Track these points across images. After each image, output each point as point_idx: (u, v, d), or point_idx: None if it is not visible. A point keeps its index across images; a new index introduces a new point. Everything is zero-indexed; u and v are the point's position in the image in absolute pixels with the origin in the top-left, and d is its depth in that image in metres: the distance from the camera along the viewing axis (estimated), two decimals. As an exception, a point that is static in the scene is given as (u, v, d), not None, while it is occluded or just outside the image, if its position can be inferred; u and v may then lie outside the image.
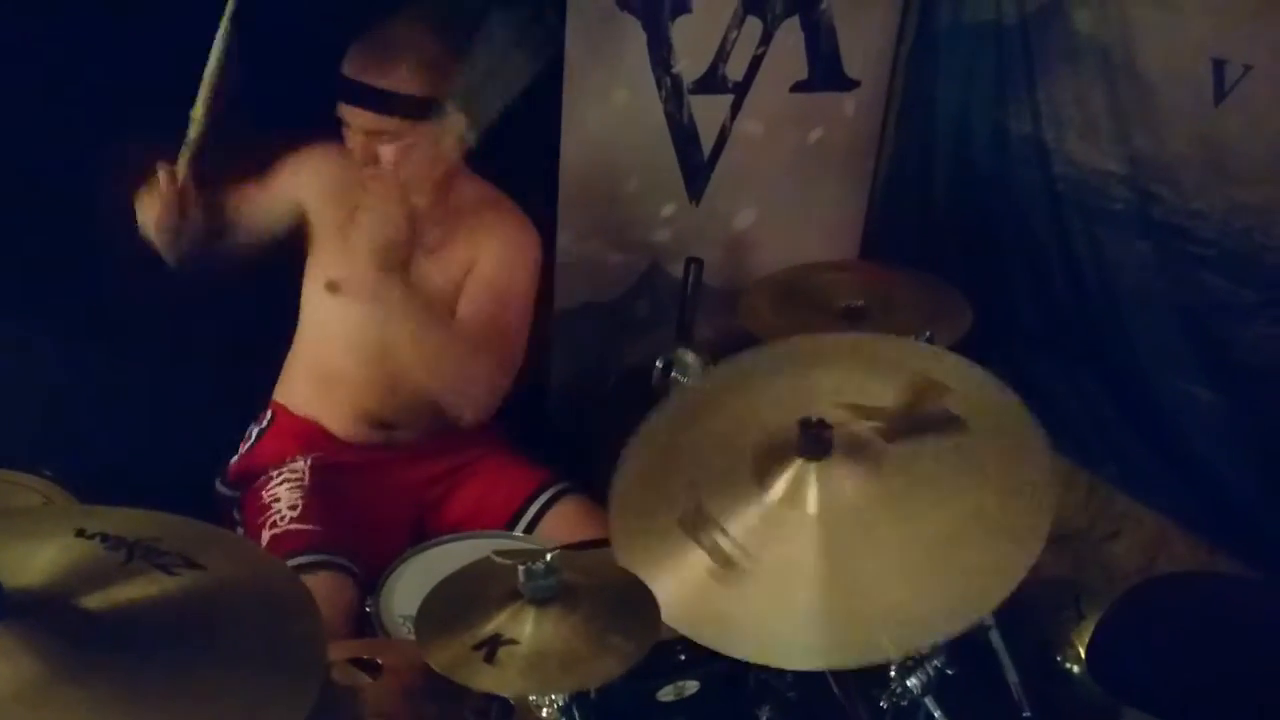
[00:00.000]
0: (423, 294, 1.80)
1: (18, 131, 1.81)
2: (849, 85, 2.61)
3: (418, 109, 1.68)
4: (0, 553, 1.00)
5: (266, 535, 1.68)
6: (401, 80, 1.67)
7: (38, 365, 1.93)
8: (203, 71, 1.63)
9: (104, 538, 1.07)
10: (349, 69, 1.69)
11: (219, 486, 1.85)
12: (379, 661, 1.32)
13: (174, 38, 1.78)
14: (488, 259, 1.84)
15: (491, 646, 1.09)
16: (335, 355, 1.86)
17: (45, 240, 1.88)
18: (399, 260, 1.66)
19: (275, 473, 1.82)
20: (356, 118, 1.70)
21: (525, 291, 1.86)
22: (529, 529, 1.85)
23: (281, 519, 1.72)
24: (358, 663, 1.32)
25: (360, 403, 1.87)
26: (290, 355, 1.95)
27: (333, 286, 1.76)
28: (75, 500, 1.70)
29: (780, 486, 1.30)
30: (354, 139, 1.72)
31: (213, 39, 1.63)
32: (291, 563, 1.59)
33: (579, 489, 1.90)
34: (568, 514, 1.85)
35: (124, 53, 1.84)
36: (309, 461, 1.81)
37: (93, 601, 0.98)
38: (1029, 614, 2.18)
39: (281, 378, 1.95)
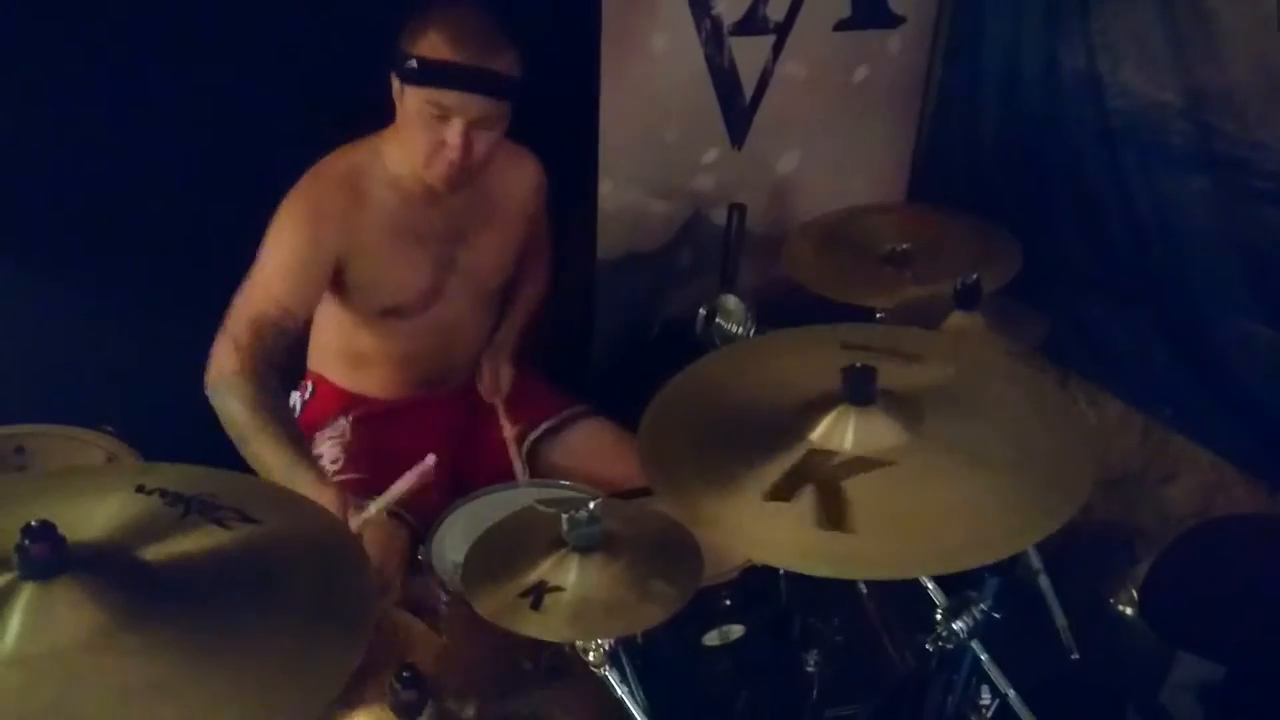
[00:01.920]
0: (475, 276, 1.85)
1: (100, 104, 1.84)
2: (894, 22, 2.54)
3: (514, 92, 1.65)
4: (65, 508, 1.03)
5: None
6: (507, 62, 1.62)
7: (101, 325, 1.98)
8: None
9: (163, 493, 1.11)
10: (454, 55, 1.58)
11: None
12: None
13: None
14: (530, 196, 1.92)
15: (537, 594, 1.12)
16: (383, 346, 1.86)
17: (106, 206, 1.91)
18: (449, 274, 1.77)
19: (319, 434, 1.86)
20: (467, 106, 1.60)
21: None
22: (535, 447, 1.89)
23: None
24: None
25: (409, 372, 1.89)
26: (318, 338, 1.92)
27: (390, 312, 1.79)
28: (137, 455, 1.76)
29: (820, 429, 1.28)
30: (451, 131, 1.61)
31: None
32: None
33: (599, 411, 1.94)
34: (589, 437, 1.89)
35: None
36: (350, 419, 1.85)
37: (152, 554, 1.02)
38: (1082, 557, 2.16)
39: (313, 353, 1.94)
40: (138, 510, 1.07)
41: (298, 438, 1.59)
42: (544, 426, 1.91)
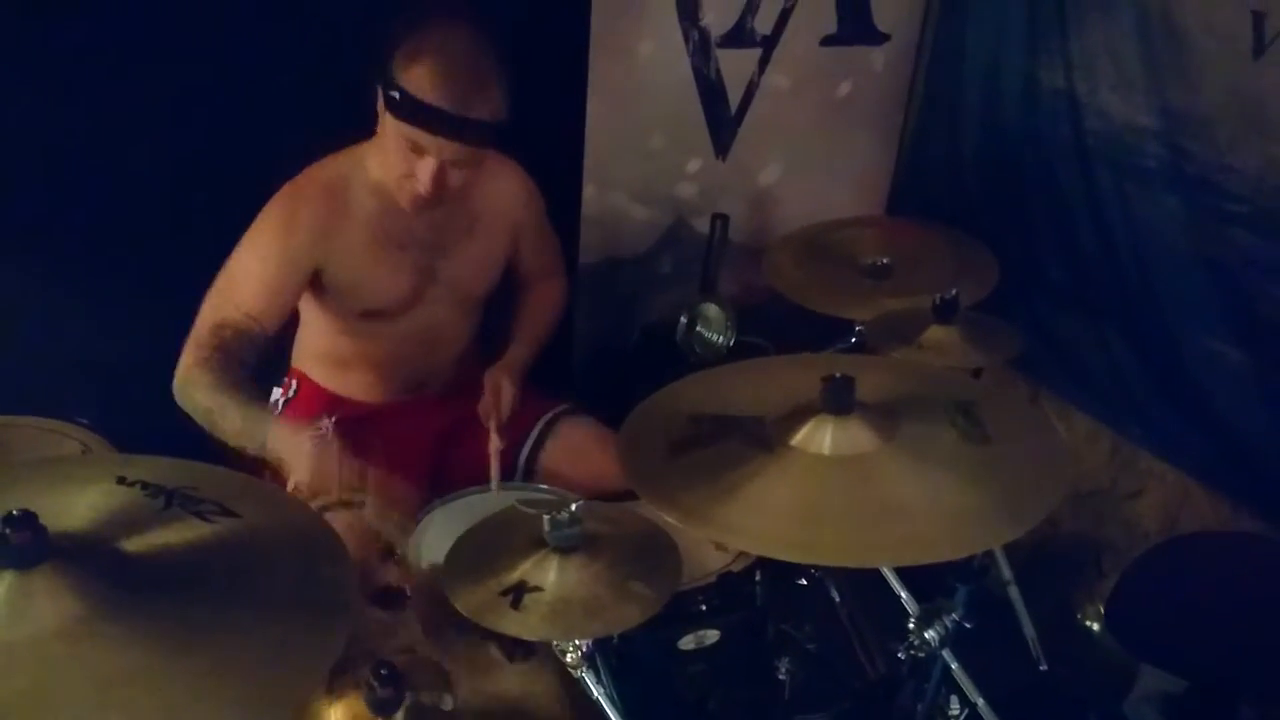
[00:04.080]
0: (456, 285, 1.84)
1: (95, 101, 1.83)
2: (879, 39, 2.57)
3: (494, 138, 1.63)
4: (45, 498, 1.03)
5: (290, 485, 1.71)
6: (492, 109, 1.59)
7: (76, 317, 1.96)
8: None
9: (143, 485, 1.11)
10: (436, 97, 1.54)
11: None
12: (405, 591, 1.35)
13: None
14: (515, 208, 1.89)
15: (518, 593, 1.12)
16: (364, 349, 1.85)
17: (83, 198, 1.90)
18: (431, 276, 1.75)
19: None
20: (442, 148, 1.58)
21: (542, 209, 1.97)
22: (532, 453, 1.88)
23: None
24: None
25: (390, 375, 1.89)
26: (302, 337, 1.90)
27: (370, 315, 1.78)
28: (112, 448, 1.74)
29: (800, 435, 1.32)
30: (423, 167, 1.60)
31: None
32: (316, 503, 1.60)
33: (580, 410, 1.93)
34: (570, 434, 1.88)
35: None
36: (333, 419, 1.84)
37: (132, 545, 1.02)
38: (1050, 570, 2.19)
39: (297, 351, 1.93)
40: (118, 502, 1.07)
41: (262, 403, 1.61)
42: (534, 435, 1.89)
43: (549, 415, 1.91)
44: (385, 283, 1.76)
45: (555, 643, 1.25)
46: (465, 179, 1.66)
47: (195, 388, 1.57)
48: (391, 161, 1.64)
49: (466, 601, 1.13)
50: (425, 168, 1.60)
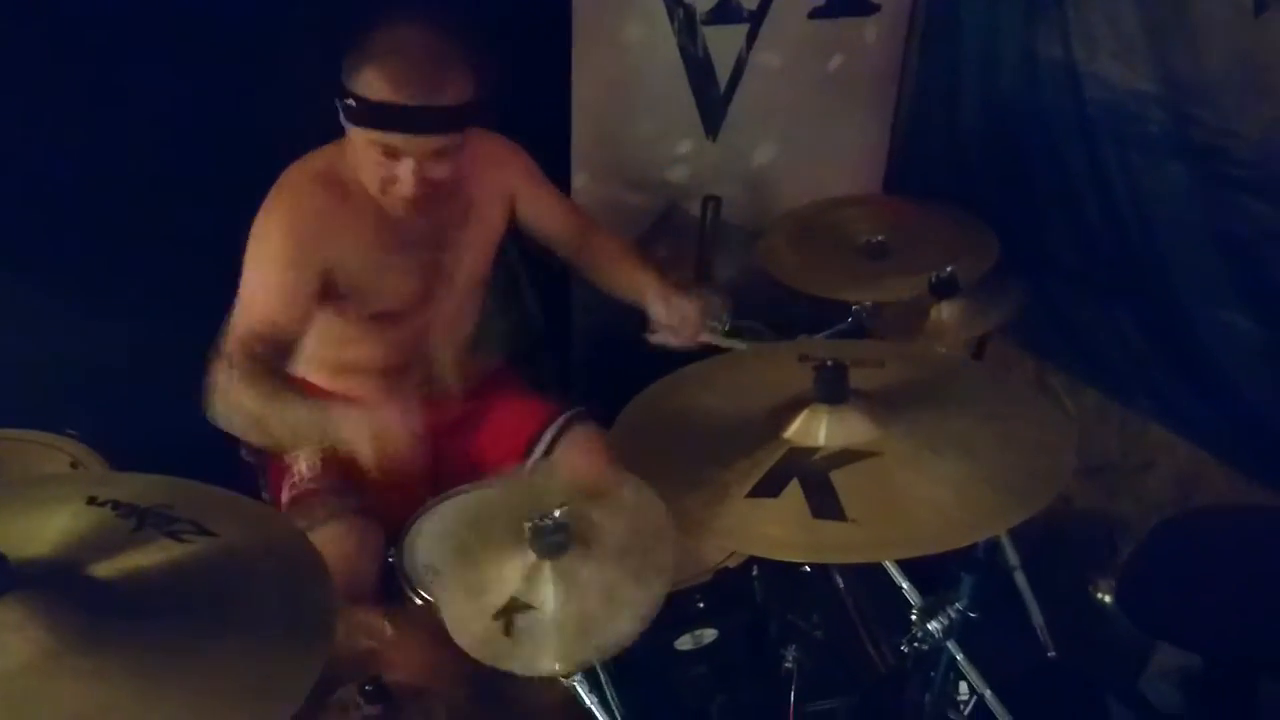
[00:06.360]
0: (461, 276, 1.78)
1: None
2: (869, 10, 2.52)
3: (468, 119, 1.55)
4: (10, 523, 1.00)
5: (287, 496, 1.68)
6: (457, 92, 1.51)
7: (68, 329, 1.94)
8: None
9: (115, 505, 1.07)
10: (394, 95, 1.46)
11: (244, 454, 1.85)
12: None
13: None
14: (507, 177, 1.83)
15: (509, 614, 1.07)
16: (369, 356, 1.80)
17: (74, 206, 1.88)
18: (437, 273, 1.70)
19: None
20: (414, 145, 1.50)
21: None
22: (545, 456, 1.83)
23: (300, 479, 1.73)
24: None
25: (394, 380, 1.85)
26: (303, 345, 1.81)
27: (380, 317, 1.72)
28: (102, 460, 1.72)
29: (794, 427, 1.28)
30: (402, 170, 1.52)
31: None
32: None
33: (588, 416, 1.88)
34: (580, 440, 1.83)
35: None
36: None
37: (102, 570, 0.98)
38: (1062, 547, 2.16)
39: (297, 358, 1.89)
40: (88, 524, 1.04)
41: (317, 395, 1.55)
42: (547, 439, 1.84)
43: (560, 421, 1.87)
44: (397, 284, 1.71)
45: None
46: (453, 168, 1.59)
47: (243, 398, 1.48)
48: (369, 172, 1.57)
49: (463, 633, 1.08)
50: (405, 169, 1.53)
